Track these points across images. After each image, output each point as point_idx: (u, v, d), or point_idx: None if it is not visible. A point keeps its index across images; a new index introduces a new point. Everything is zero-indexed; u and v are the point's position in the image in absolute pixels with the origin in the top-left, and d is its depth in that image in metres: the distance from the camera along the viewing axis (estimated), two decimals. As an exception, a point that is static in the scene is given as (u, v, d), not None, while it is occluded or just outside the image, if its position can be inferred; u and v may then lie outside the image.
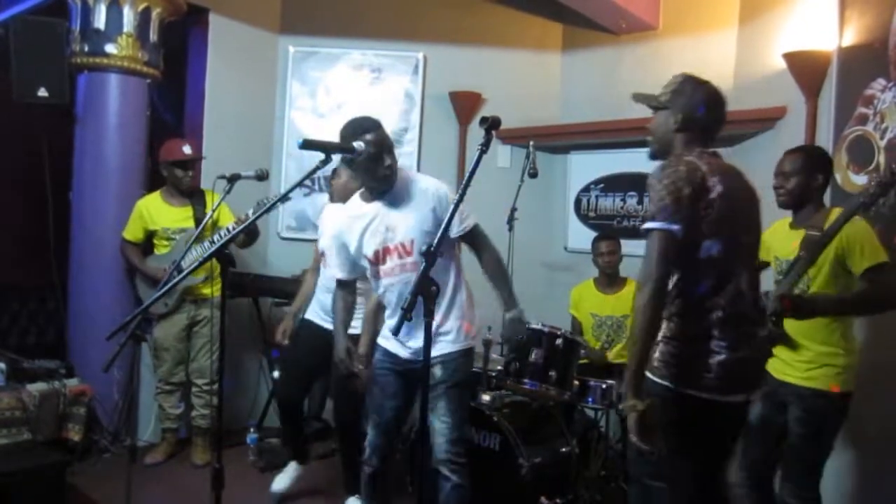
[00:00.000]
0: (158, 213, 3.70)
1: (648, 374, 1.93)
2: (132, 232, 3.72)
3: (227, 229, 3.49)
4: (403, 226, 2.48)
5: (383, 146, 2.40)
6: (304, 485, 3.43)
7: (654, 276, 1.86)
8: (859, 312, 2.46)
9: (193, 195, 3.75)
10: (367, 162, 2.38)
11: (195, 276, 3.59)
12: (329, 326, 3.06)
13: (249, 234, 3.62)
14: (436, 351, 2.48)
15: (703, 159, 1.98)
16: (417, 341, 2.50)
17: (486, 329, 3.25)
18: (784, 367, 2.48)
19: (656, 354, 1.95)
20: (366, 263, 2.58)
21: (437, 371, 2.48)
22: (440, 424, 2.49)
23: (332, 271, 2.70)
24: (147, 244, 3.79)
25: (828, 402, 2.39)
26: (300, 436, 3.44)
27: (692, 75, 2.13)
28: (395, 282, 2.53)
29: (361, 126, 2.41)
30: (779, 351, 2.50)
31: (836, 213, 2.42)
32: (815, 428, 2.41)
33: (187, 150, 3.71)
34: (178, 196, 3.74)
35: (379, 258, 2.53)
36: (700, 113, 2.06)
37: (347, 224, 2.58)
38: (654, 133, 2.11)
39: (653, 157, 2.15)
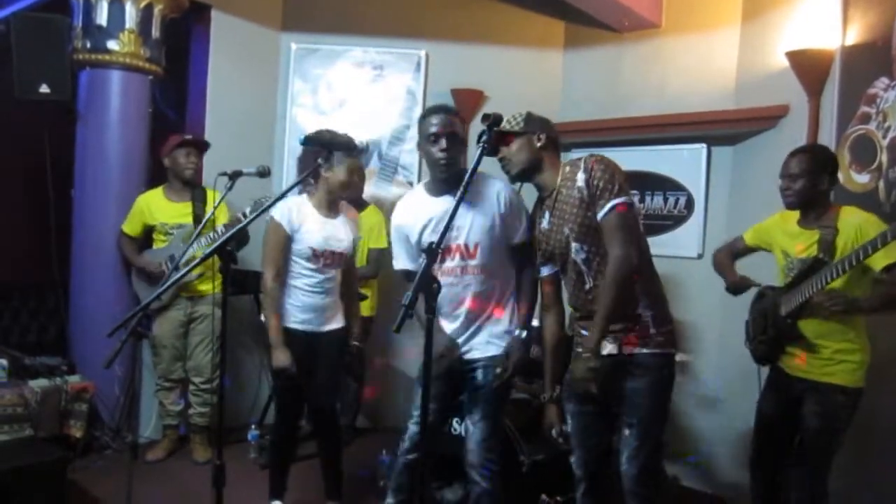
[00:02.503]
0: (158, 207, 3.72)
1: (654, 350, 2.22)
2: (131, 226, 3.74)
3: (219, 229, 3.47)
4: (469, 226, 2.42)
5: (445, 130, 2.38)
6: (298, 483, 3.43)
7: (634, 248, 2.17)
8: (886, 310, 2.41)
9: (195, 192, 3.75)
10: (424, 142, 2.43)
11: (190, 273, 3.59)
12: (304, 328, 2.97)
13: (238, 241, 3.56)
14: (479, 353, 2.48)
15: None
16: (460, 341, 2.50)
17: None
18: (800, 363, 2.50)
19: (653, 331, 2.23)
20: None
21: (479, 375, 2.47)
22: (475, 429, 2.46)
23: (398, 263, 2.61)
24: (145, 241, 3.79)
25: (845, 397, 2.42)
26: (293, 445, 3.29)
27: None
28: (452, 282, 2.45)
29: (432, 108, 2.49)
30: (793, 350, 2.51)
31: (847, 211, 2.45)
32: (831, 422, 2.44)
33: (189, 137, 3.75)
34: (179, 192, 3.75)
35: (442, 255, 2.46)
36: (553, 132, 2.39)
37: (410, 215, 2.54)
38: (515, 156, 2.34)
39: (515, 179, 2.40)
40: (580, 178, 2.22)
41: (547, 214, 2.36)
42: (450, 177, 2.43)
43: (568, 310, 2.50)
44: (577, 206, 2.23)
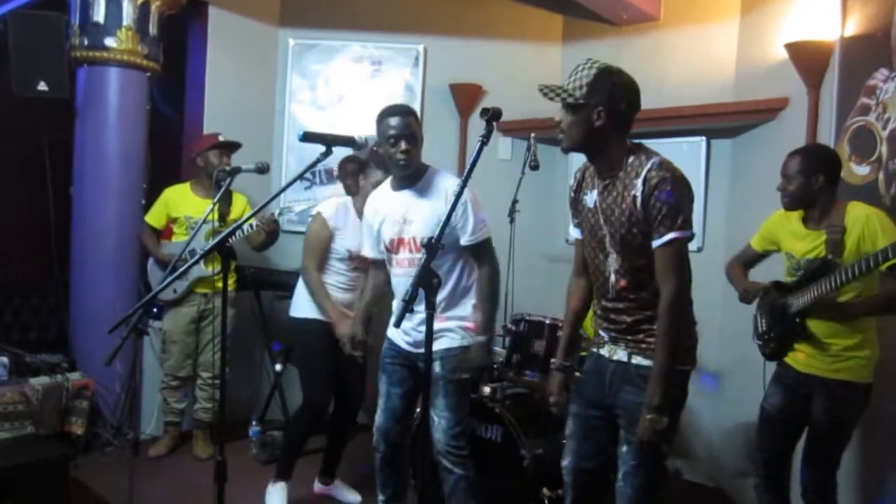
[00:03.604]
0: (184, 201, 3.74)
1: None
2: (154, 217, 3.77)
3: (252, 226, 3.48)
4: (418, 221, 2.51)
5: (403, 132, 2.47)
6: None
7: (688, 284, 2.01)
8: (885, 312, 2.42)
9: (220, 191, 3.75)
10: (384, 143, 2.49)
11: (207, 269, 3.61)
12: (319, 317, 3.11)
13: (270, 235, 3.60)
14: (435, 346, 2.49)
15: None
16: (414, 334, 2.56)
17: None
18: (809, 359, 2.50)
19: None
20: (383, 249, 2.64)
21: (436, 367, 2.51)
22: (439, 420, 2.52)
23: (363, 250, 2.78)
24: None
25: (855, 393, 2.42)
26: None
27: (606, 64, 2.07)
28: (401, 274, 2.56)
29: (390, 109, 2.54)
30: (802, 347, 2.52)
31: (852, 207, 2.43)
32: (840, 418, 2.44)
33: (222, 139, 3.75)
34: (207, 189, 3.74)
35: (393, 247, 2.60)
36: (623, 104, 2.03)
37: (375, 207, 2.68)
38: (568, 131, 2.03)
39: (566, 151, 2.14)
40: (638, 186, 1.94)
41: (595, 193, 2.10)
42: (407, 174, 2.55)
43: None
44: (626, 217, 1.98)
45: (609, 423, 2.14)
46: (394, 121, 2.48)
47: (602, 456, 2.19)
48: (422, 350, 2.49)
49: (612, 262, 2.07)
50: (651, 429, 1.92)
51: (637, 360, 2.05)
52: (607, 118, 1.98)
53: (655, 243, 1.95)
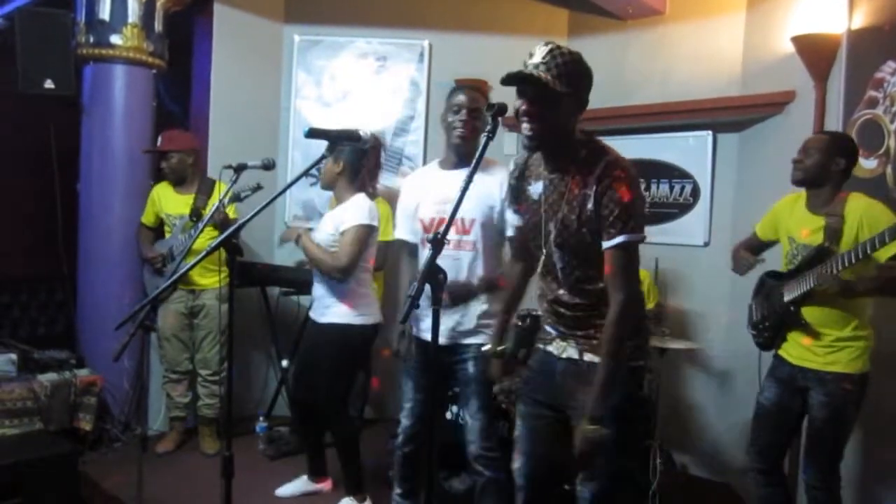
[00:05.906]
0: (166, 199, 3.76)
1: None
2: (146, 215, 3.81)
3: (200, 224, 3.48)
4: (469, 202, 2.33)
5: (469, 105, 2.46)
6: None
7: (636, 290, 1.90)
8: (885, 293, 2.40)
9: (201, 184, 3.76)
10: (447, 112, 2.48)
11: (184, 263, 3.58)
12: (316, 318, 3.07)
13: (221, 226, 3.44)
14: (469, 340, 2.48)
15: None
16: (445, 329, 2.46)
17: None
18: (803, 352, 2.50)
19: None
20: (419, 228, 2.56)
21: (470, 367, 2.46)
22: (473, 421, 2.47)
23: (396, 231, 2.72)
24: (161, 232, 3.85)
25: (850, 384, 2.41)
26: (319, 437, 3.36)
27: (571, 49, 1.90)
28: (444, 255, 2.46)
29: (462, 85, 2.59)
30: (796, 337, 2.51)
31: (854, 198, 2.43)
32: (838, 411, 2.43)
33: (159, 141, 3.73)
34: (184, 184, 3.76)
35: (432, 226, 2.49)
36: (587, 96, 1.91)
37: (414, 185, 2.63)
38: (544, 124, 1.88)
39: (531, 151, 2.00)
40: (592, 185, 1.84)
41: (542, 185, 1.99)
42: (464, 151, 2.49)
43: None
44: (576, 216, 1.88)
45: (560, 422, 2.01)
46: (462, 94, 2.49)
47: (555, 456, 2.06)
48: (453, 343, 2.48)
49: (557, 259, 1.96)
50: (588, 439, 1.81)
51: (588, 357, 1.94)
52: (578, 110, 1.89)
53: (605, 245, 1.84)
